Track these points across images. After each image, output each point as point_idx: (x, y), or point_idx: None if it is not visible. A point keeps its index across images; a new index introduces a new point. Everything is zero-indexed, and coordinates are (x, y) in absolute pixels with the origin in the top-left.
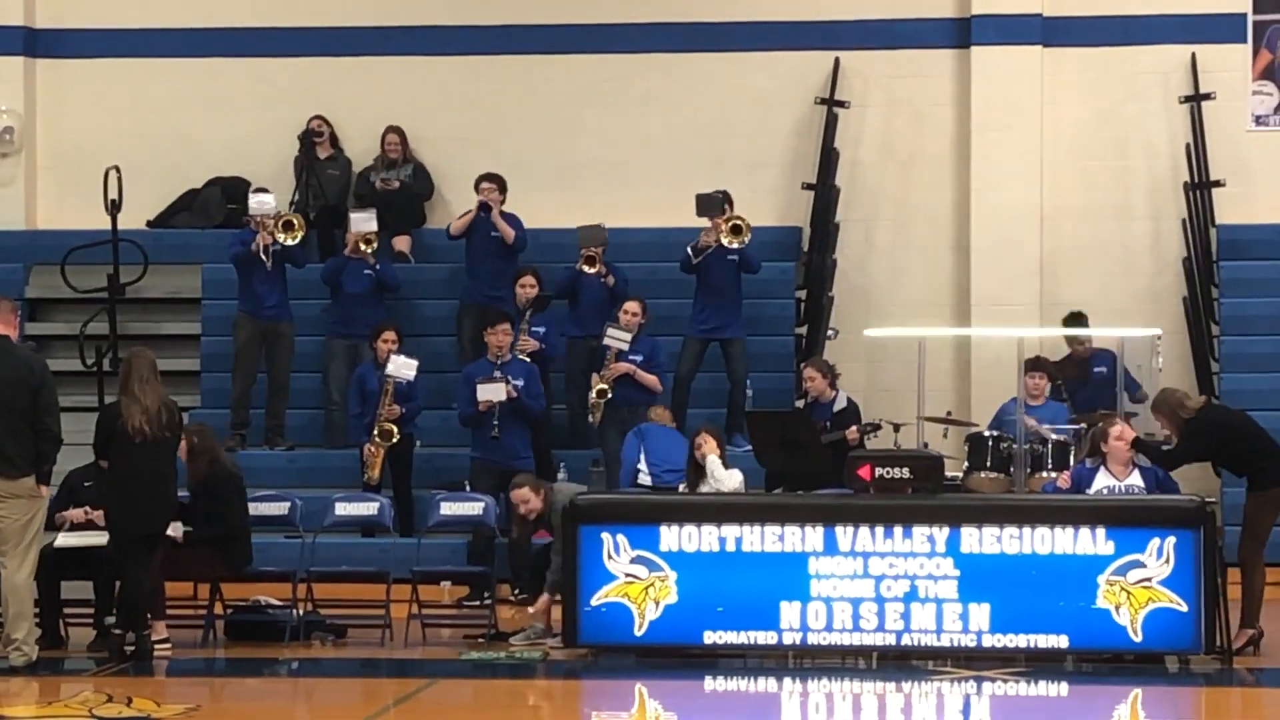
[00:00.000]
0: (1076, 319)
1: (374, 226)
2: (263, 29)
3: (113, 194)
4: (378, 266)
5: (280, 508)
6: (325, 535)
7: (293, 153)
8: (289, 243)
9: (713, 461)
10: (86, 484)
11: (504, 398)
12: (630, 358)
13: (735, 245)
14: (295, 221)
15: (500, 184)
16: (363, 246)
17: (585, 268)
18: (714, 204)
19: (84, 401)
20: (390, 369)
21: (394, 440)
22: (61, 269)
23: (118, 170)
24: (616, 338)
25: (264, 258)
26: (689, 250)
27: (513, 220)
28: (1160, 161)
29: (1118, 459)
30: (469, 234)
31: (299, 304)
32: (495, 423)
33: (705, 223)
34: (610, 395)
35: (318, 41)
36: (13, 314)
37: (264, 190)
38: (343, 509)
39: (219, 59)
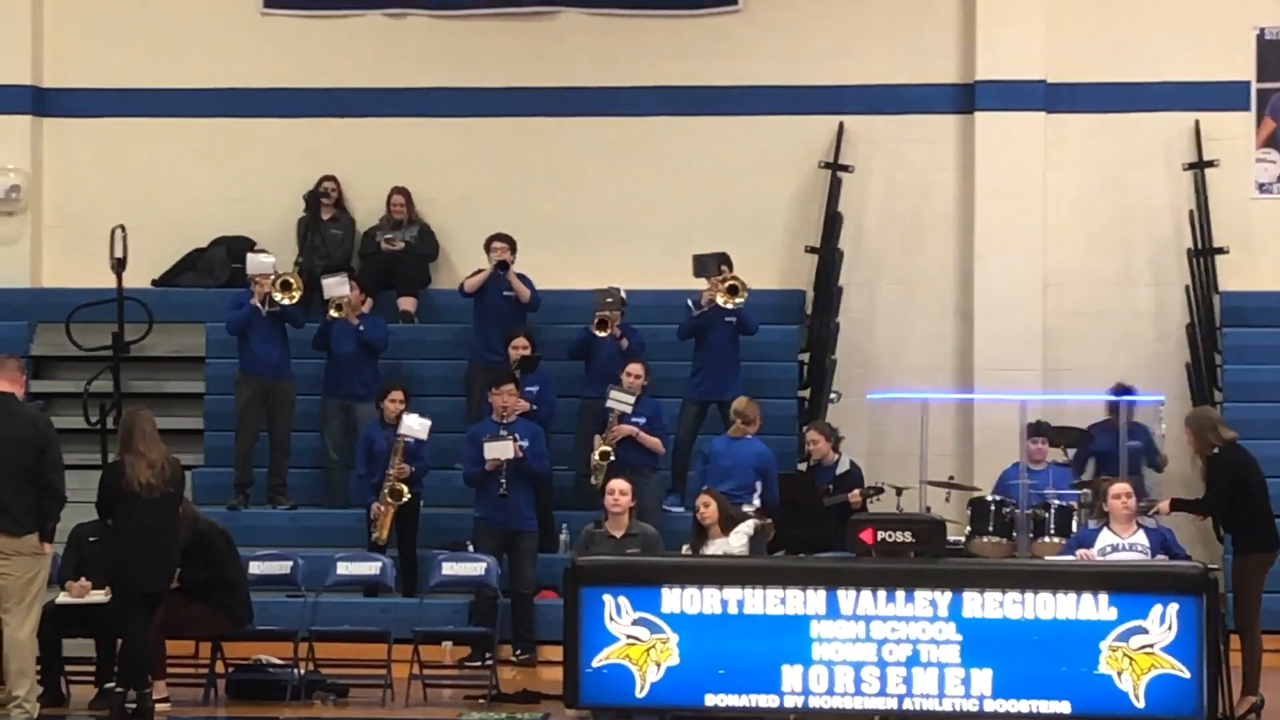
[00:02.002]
0: (1122, 390)
1: (344, 291)
2: (268, 90)
3: (118, 252)
4: (361, 328)
5: (282, 567)
6: (327, 595)
7: (298, 213)
8: (286, 302)
9: (739, 534)
10: (92, 539)
11: (512, 455)
12: (633, 420)
13: (730, 305)
14: (293, 281)
15: (512, 244)
16: (332, 312)
17: (597, 331)
18: (710, 265)
19: (88, 459)
20: (404, 429)
21: (404, 500)
22: (66, 327)
23: (123, 229)
24: (619, 400)
25: (261, 310)
26: (690, 304)
27: (526, 280)
28: (1163, 228)
29: (1119, 517)
30: (480, 294)
31: (301, 364)
32: (503, 481)
33: (705, 285)
34: (613, 457)
35: (323, 102)
36: (18, 372)
37: (263, 251)
38: (345, 568)
39: (224, 119)
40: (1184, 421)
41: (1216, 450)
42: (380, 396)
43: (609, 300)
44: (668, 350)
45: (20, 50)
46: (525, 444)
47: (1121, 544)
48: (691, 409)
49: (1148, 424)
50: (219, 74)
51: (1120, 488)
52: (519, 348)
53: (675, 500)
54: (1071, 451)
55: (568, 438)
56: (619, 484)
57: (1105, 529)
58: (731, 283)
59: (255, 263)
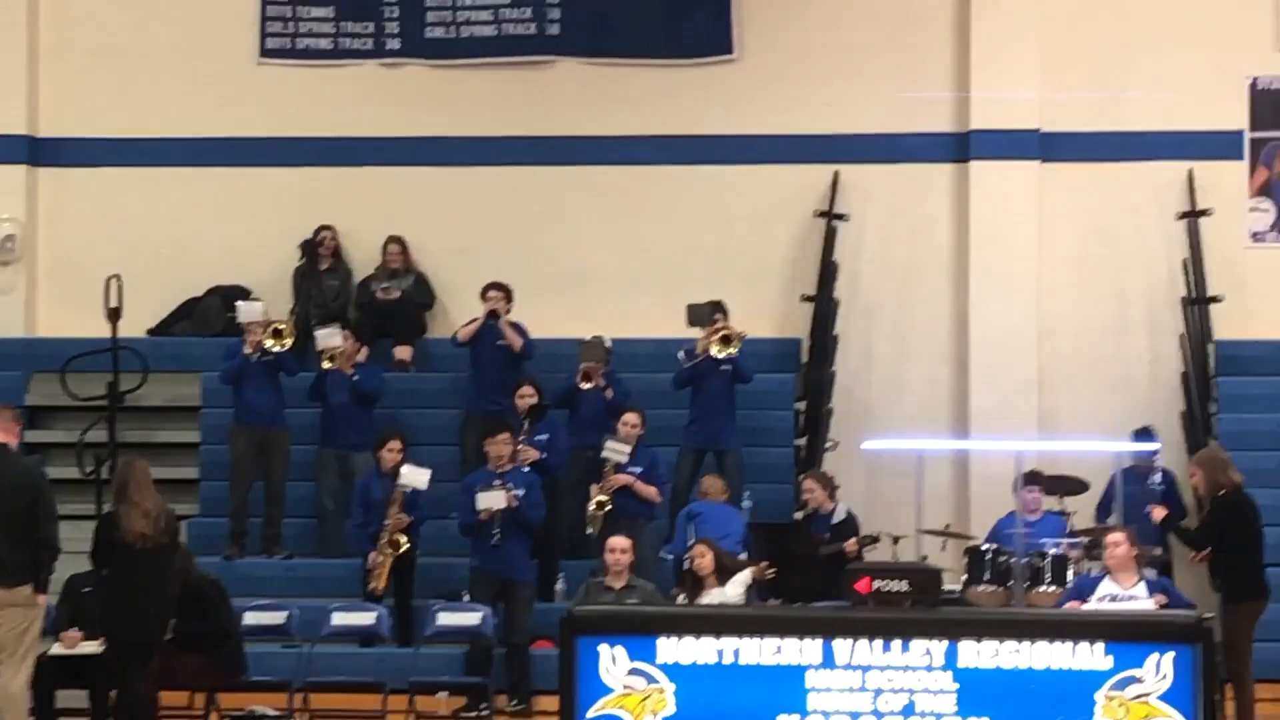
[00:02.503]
0: (1144, 434)
1: (336, 342)
2: (264, 139)
3: (113, 302)
4: (356, 377)
5: (277, 617)
6: (322, 645)
7: (294, 262)
8: (276, 349)
9: (735, 583)
10: (86, 590)
11: (504, 505)
12: (630, 469)
13: (722, 355)
14: (283, 328)
15: (507, 293)
16: (325, 363)
17: (582, 383)
18: (703, 314)
19: (82, 509)
20: (404, 478)
21: (402, 550)
22: (61, 377)
23: (118, 278)
24: (615, 450)
25: (252, 359)
26: (682, 354)
27: (519, 329)
28: (1158, 277)
29: (1119, 566)
30: (474, 343)
31: (296, 413)
32: (496, 530)
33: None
34: (609, 507)
35: (319, 151)
36: (14, 422)
37: (254, 299)
38: (340, 619)
39: (219, 168)
40: (1193, 460)
41: (1224, 492)
42: (378, 445)
43: (590, 351)
44: (664, 399)
45: (16, 99)
46: (520, 493)
47: (1121, 594)
48: (688, 457)
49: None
50: (215, 123)
51: (1114, 536)
52: (525, 396)
53: (671, 549)
54: (1066, 500)
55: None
56: (619, 542)
57: (1107, 578)
58: (725, 332)
59: (245, 310)
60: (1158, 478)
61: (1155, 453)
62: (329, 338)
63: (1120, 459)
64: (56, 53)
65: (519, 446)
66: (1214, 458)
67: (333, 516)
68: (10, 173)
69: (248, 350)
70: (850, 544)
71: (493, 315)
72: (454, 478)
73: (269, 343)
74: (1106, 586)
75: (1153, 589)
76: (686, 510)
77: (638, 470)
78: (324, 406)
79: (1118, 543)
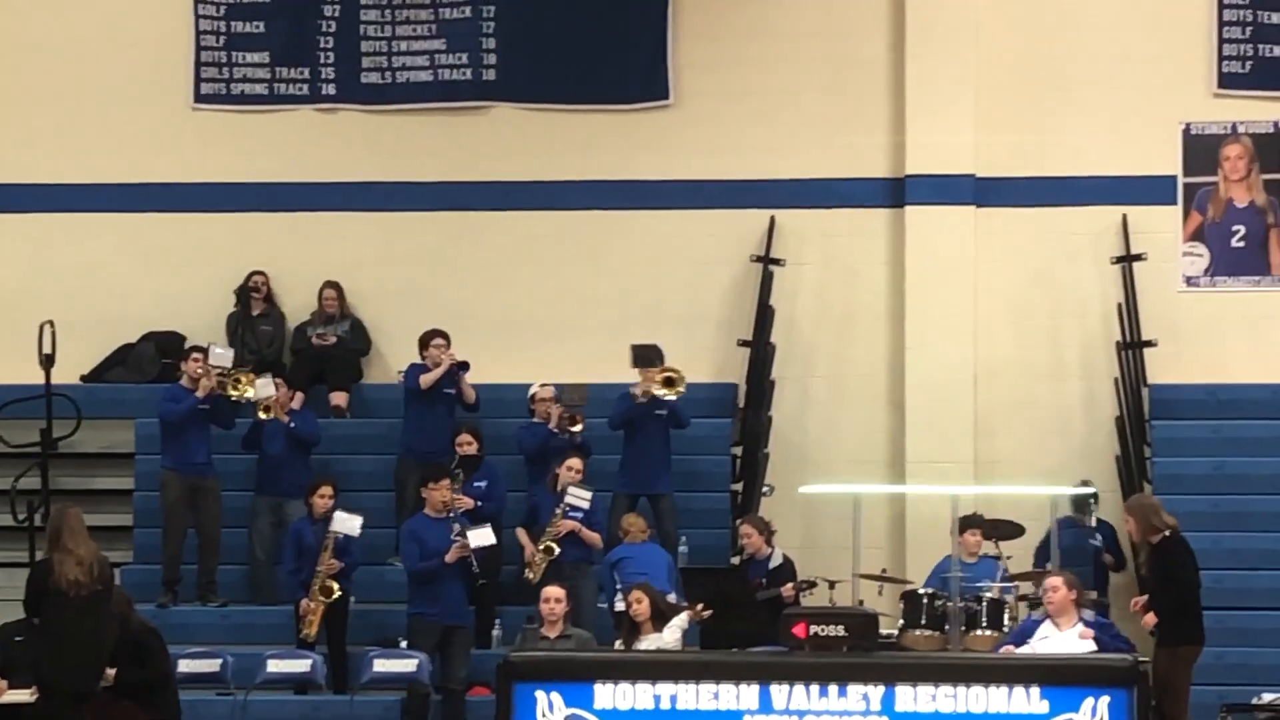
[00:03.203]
0: (1085, 490)
1: (271, 391)
2: (199, 184)
3: (46, 348)
4: (292, 424)
5: (212, 664)
6: (257, 692)
7: (228, 307)
8: (235, 396)
9: (673, 628)
10: (18, 639)
11: (493, 541)
12: (571, 515)
13: (668, 397)
14: (243, 379)
15: (448, 340)
16: (261, 414)
17: (569, 428)
18: (650, 355)
19: (15, 557)
20: (335, 525)
21: (334, 597)
22: None
23: (51, 324)
24: (579, 496)
25: (203, 405)
26: (629, 396)
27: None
28: (1093, 321)
29: (1058, 611)
30: (422, 390)
31: (226, 459)
32: (474, 566)
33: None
34: (558, 552)
35: (253, 196)
36: None
37: (223, 345)
38: (275, 665)
39: (154, 214)
40: (1126, 508)
41: (1166, 534)
42: (309, 492)
43: (575, 395)
44: (600, 444)
45: None
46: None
47: (1057, 636)
48: (622, 502)
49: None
50: (149, 168)
51: (1052, 581)
52: (464, 444)
53: (604, 597)
54: (1003, 544)
55: (509, 533)
56: (554, 591)
57: (1046, 622)
58: (669, 374)
59: (218, 355)
60: (1095, 530)
61: (1092, 500)
62: (263, 388)
63: (1057, 506)
64: None
65: (453, 494)
66: (1145, 504)
67: (265, 564)
68: None
69: (200, 393)
70: (787, 589)
71: (463, 366)
72: (389, 524)
73: (231, 393)
74: (1045, 629)
75: (1091, 628)
76: (610, 557)
77: (579, 515)
78: (260, 455)
79: (1055, 587)
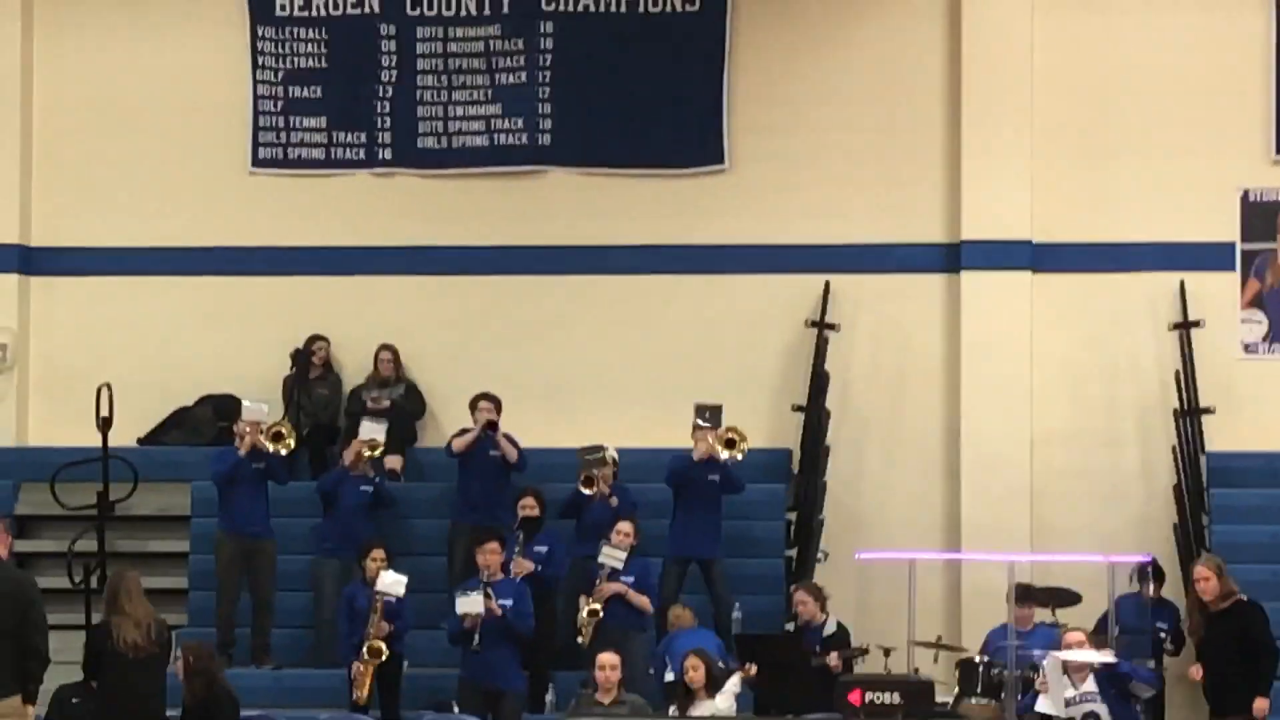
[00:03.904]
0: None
1: (381, 437)
2: (256, 248)
3: (104, 411)
4: (377, 480)
5: None
6: None
7: (284, 370)
8: (282, 452)
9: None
10: (75, 700)
11: (480, 611)
12: (622, 578)
13: (725, 457)
14: (284, 431)
15: (497, 403)
16: (365, 452)
17: (583, 489)
18: (716, 414)
19: (71, 620)
20: (380, 585)
21: (383, 658)
22: (51, 486)
23: (109, 387)
24: (612, 555)
25: (248, 462)
26: (681, 459)
27: (513, 440)
28: (1149, 388)
29: (1075, 666)
30: (466, 453)
31: (284, 521)
32: (477, 636)
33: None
34: (601, 616)
35: (309, 260)
36: (4, 532)
37: (259, 400)
38: None
39: (211, 277)
40: (1203, 564)
41: (1244, 597)
42: (361, 555)
43: (591, 458)
44: (654, 509)
45: (9, 208)
46: (509, 603)
47: (1075, 695)
48: (673, 568)
49: (1131, 587)
50: (206, 232)
51: (1072, 637)
52: (526, 507)
53: (661, 651)
54: (1060, 612)
55: (560, 597)
56: (608, 659)
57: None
58: (730, 436)
59: (249, 410)
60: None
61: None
62: (375, 430)
63: (1115, 574)
64: (49, 162)
65: (513, 558)
66: (1223, 564)
67: (331, 626)
68: (2, 282)
69: (242, 452)
70: (832, 658)
71: (491, 427)
72: (443, 588)
73: (269, 445)
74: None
75: (1101, 683)
76: (664, 644)
77: (630, 580)
78: (332, 511)
79: (1070, 643)
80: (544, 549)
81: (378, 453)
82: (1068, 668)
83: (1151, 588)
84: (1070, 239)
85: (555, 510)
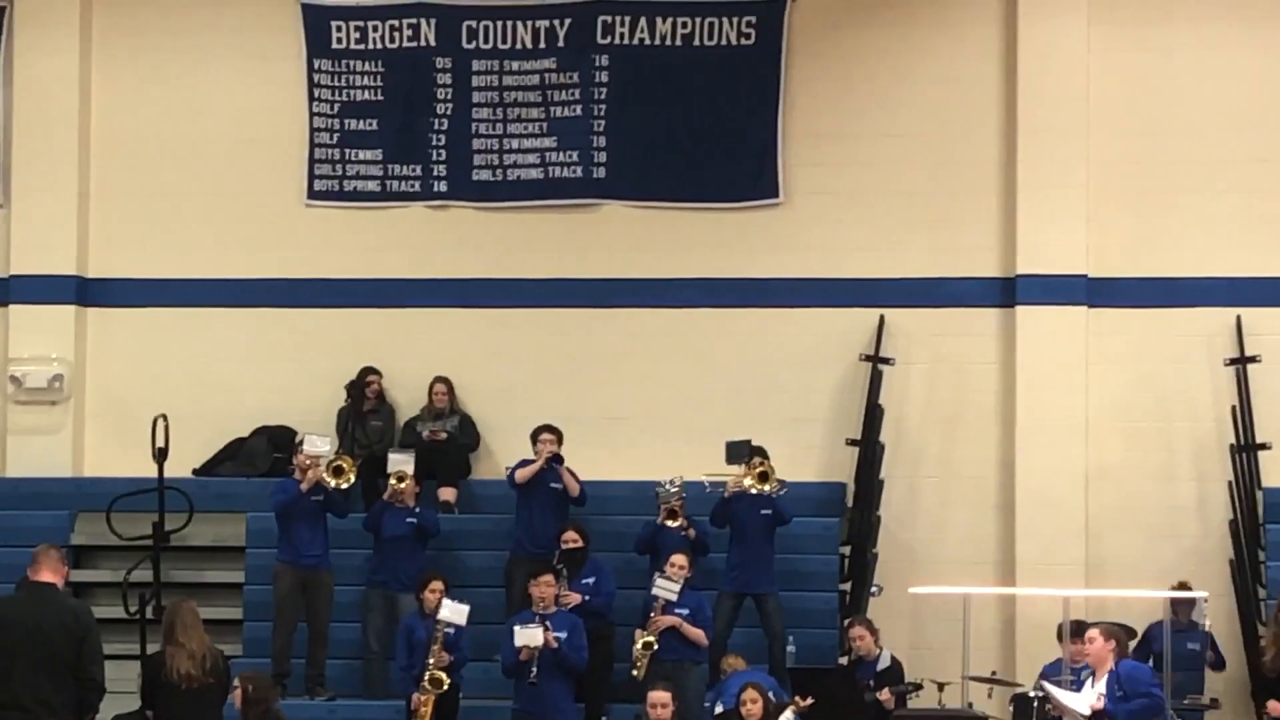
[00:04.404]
0: (1182, 587)
1: (410, 469)
2: (311, 280)
3: (159, 442)
4: (418, 510)
5: None
6: None
7: (338, 402)
8: (342, 486)
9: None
10: None
11: (540, 643)
12: (677, 611)
13: (755, 491)
14: (345, 465)
15: (560, 436)
16: (393, 482)
17: (668, 521)
18: (740, 451)
19: (127, 649)
20: (442, 613)
21: (444, 688)
22: (107, 516)
23: (165, 418)
24: (665, 589)
25: (308, 496)
26: (705, 482)
27: (573, 474)
28: (1205, 423)
29: (1095, 661)
30: (526, 485)
31: (340, 553)
32: (533, 669)
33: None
34: (656, 648)
35: (364, 293)
36: (60, 563)
37: (320, 435)
38: None
39: (266, 309)
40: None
41: None
42: (420, 587)
43: (673, 491)
44: (709, 543)
45: (65, 240)
46: (563, 635)
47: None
48: (727, 602)
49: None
50: (262, 264)
51: (1090, 632)
52: (568, 541)
53: (713, 696)
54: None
55: (626, 630)
56: (660, 697)
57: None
58: (762, 469)
59: (311, 444)
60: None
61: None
62: (404, 463)
63: (1172, 610)
64: (105, 194)
65: (560, 590)
66: None
67: (377, 658)
68: (59, 313)
69: (304, 486)
70: (884, 694)
71: (556, 459)
72: (498, 620)
73: (330, 479)
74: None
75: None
76: (716, 689)
77: (684, 612)
78: (377, 543)
79: (1093, 639)
80: (590, 580)
81: (405, 484)
82: (1092, 665)
83: (1194, 616)
84: (1126, 273)
85: (613, 543)
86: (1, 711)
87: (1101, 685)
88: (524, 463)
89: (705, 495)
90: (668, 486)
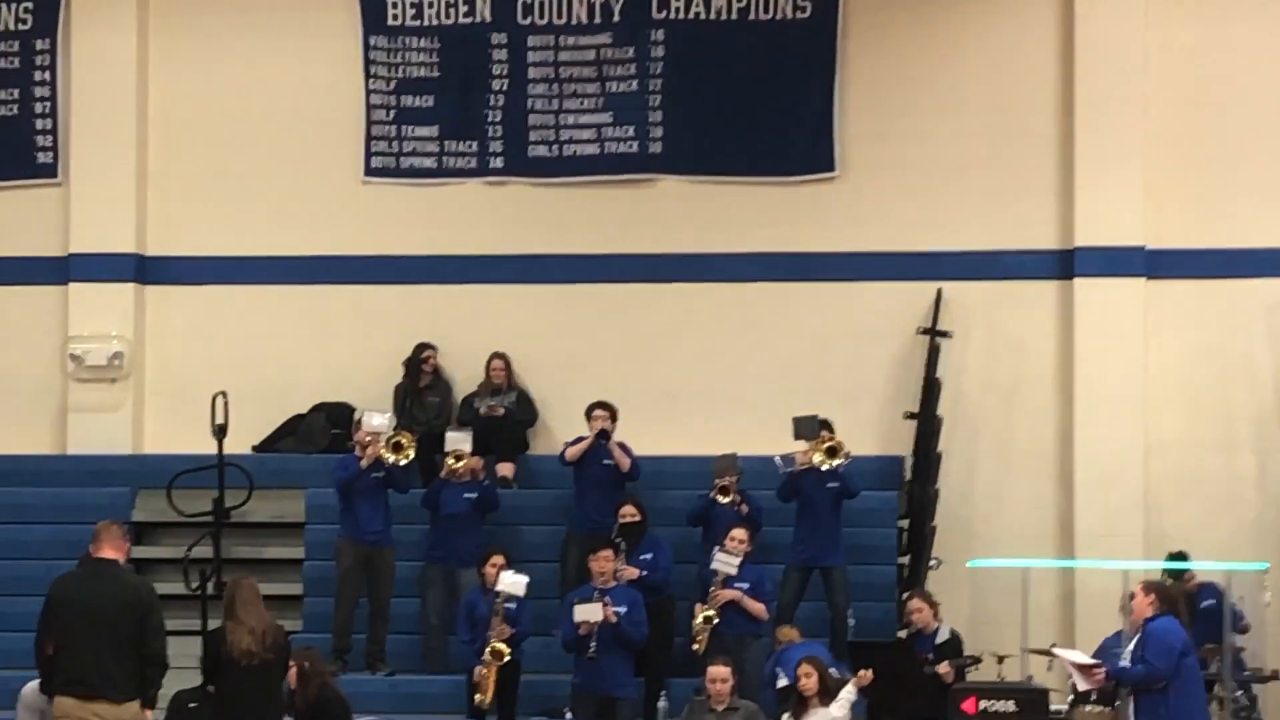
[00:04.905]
0: (1179, 557)
1: (468, 447)
2: (368, 257)
3: (219, 419)
4: (486, 481)
5: None
6: None
7: (396, 378)
8: (401, 462)
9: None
10: (192, 705)
11: (600, 618)
12: (737, 585)
13: (825, 467)
14: (404, 441)
15: (613, 412)
16: (450, 461)
17: (719, 497)
18: (810, 427)
19: (188, 625)
20: (501, 584)
21: (504, 660)
22: (168, 493)
23: (224, 395)
24: (725, 562)
25: (368, 474)
26: (778, 460)
27: (626, 449)
28: (1264, 393)
29: (1137, 616)
30: (580, 462)
31: (399, 529)
32: (593, 644)
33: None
34: (716, 622)
35: (421, 269)
36: (122, 539)
37: (378, 411)
38: None
39: (324, 286)
40: None
41: None
42: (481, 562)
43: (728, 466)
44: (768, 516)
45: (125, 219)
46: (622, 610)
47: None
48: (794, 575)
49: (1247, 593)
50: (320, 242)
51: (1137, 588)
52: (625, 515)
53: (771, 664)
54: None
55: (685, 604)
56: (719, 672)
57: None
58: (831, 444)
59: (369, 420)
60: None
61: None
62: (461, 441)
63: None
64: (164, 173)
65: (619, 565)
66: None
67: (437, 632)
68: (119, 291)
69: (364, 463)
70: (943, 667)
71: (603, 435)
72: (555, 595)
73: (389, 456)
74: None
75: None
76: (773, 659)
77: (745, 586)
78: (435, 519)
79: (1134, 594)
80: (649, 555)
81: (462, 463)
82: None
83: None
84: (1184, 245)
85: (671, 518)
86: (65, 687)
87: (1131, 644)
88: (577, 440)
89: (767, 470)
90: (723, 462)
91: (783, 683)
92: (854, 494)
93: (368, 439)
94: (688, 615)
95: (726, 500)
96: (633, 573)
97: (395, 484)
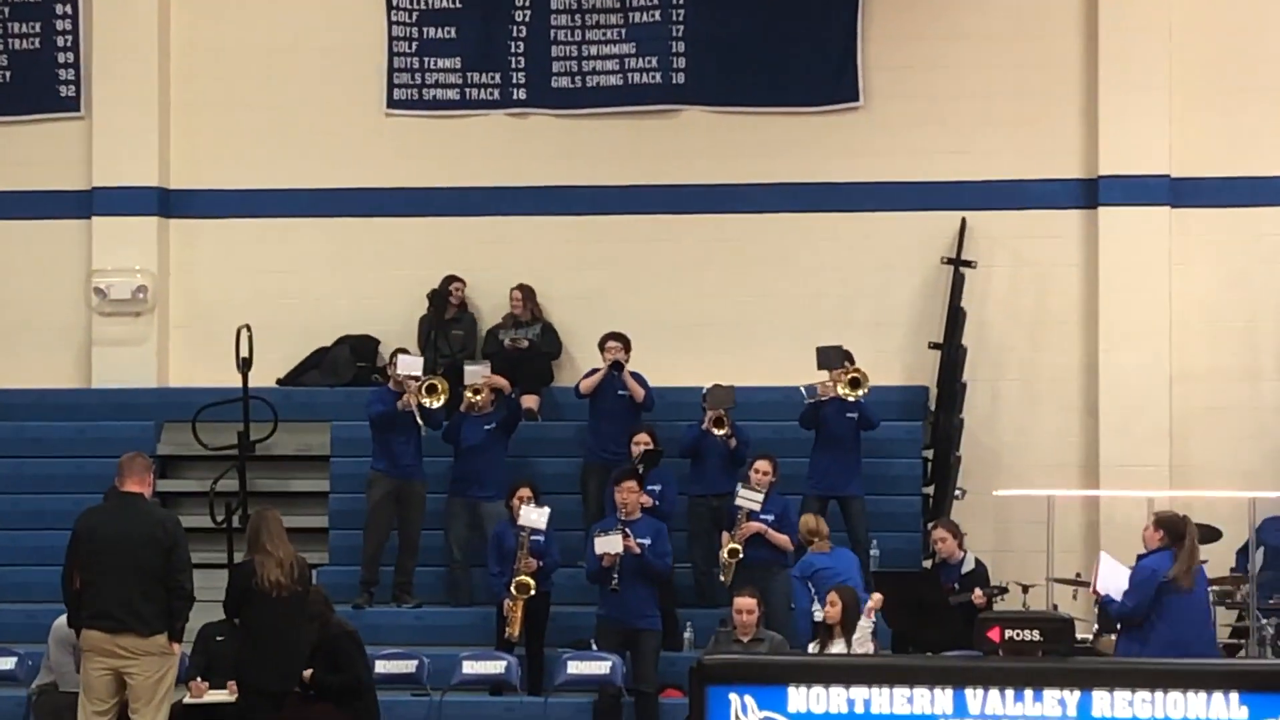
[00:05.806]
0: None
1: (481, 380)
2: (391, 189)
3: (243, 352)
4: (512, 396)
5: (408, 666)
6: (453, 693)
7: (420, 311)
8: (435, 405)
9: (861, 629)
10: (219, 638)
11: (620, 550)
12: (761, 517)
13: (851, 398)
14: (439, 385)
15: (625, 343)
16: (469, 395)
17: (713, 429)
18: (833, 356)
19: (213, 558)
20: (522, 519)
21: (530, 593)
22: (193, 426)
23: (248, 328)
24: (748, 498)
25: (417, 419)
26: (803, 389)
27: (640, 379)
28: None
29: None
30: (595, 393)
31: (426, 462)
32: (615, 575)
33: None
34: (742, 555)
35: (446, 201)
36: (147, 471)
37: (409, 352)
38: (470, 667)
39: (347, 219)
40: None
41: None
42: (509, 495)
43: (720, 397)
44: (790, 447)
45: (148, 152)
46: (647, 541)
47: None
48: (812, 505)
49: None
50: (343, 174)
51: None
52: (641, 443)
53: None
54: (1201, 548)
55: (684, 535)
56: (745, 603)
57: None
58: (854, 375)
59: (405, 364)
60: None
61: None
62: (479, 374)
63: (1257, 508)
64: (187, 107)
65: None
66: None
67: (461, 565)
68: (142, 224)
69: (400, 405)
70: (977, 595)
71: (616, 367)
72: (580, 526)
73: (425, 400)
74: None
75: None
76: (803, 570)
77: (769, 518)
78: (456, 453)
79: (1146, 526)
80: (657, 487)
81: (481, 396)
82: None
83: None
84: (1209, 173)
85: (675, 449)
86: (92, 621)
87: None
88: (592, 372)
89: (788, 401)
90: (715, 392)
91: (819, 616)
92: (873, 425)
93: (405, 379)
94: (697, 546)
95: (721, 432)
96: (647, 501)
97: (429, 419)
